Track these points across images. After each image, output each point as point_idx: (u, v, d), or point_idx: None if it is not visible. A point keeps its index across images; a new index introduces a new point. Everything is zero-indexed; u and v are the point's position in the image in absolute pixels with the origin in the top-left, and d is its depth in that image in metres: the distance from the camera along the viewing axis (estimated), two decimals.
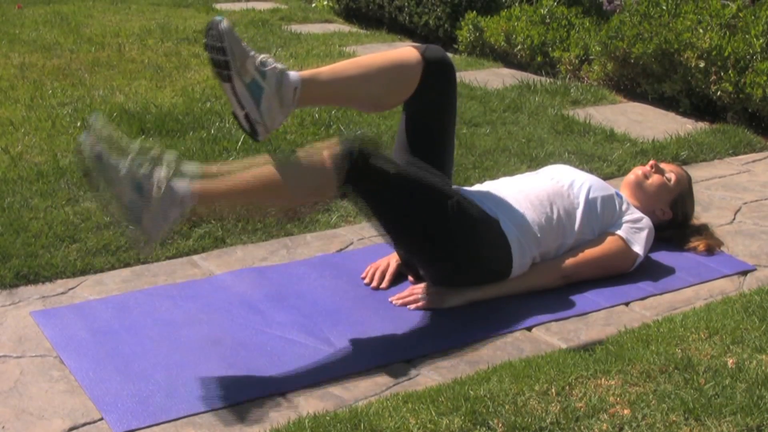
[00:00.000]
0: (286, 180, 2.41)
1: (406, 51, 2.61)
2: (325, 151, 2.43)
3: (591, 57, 5.41)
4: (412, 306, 2.66)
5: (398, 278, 2.82)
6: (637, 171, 3.11)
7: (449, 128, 2.73)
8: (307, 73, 2.48)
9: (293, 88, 2.42)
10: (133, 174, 2.23)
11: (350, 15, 7.96)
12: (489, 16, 6.31)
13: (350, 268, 2.89)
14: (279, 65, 2.41)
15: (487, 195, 2.76)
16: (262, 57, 2.39)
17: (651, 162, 3.13)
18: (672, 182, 3.08)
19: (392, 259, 2.84)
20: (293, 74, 2.43)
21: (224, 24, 2.31)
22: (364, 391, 2.25)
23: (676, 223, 3.12)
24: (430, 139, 2.67)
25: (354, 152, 2.43)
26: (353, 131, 2.54)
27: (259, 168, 2.42)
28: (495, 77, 5.45)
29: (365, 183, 2.47)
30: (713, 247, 3.08)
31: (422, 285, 2.71)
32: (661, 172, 3.10)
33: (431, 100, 2.64)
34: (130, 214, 2.24)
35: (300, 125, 4.15)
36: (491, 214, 2.67)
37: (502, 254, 2.66)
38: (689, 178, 3.17)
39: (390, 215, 2.56)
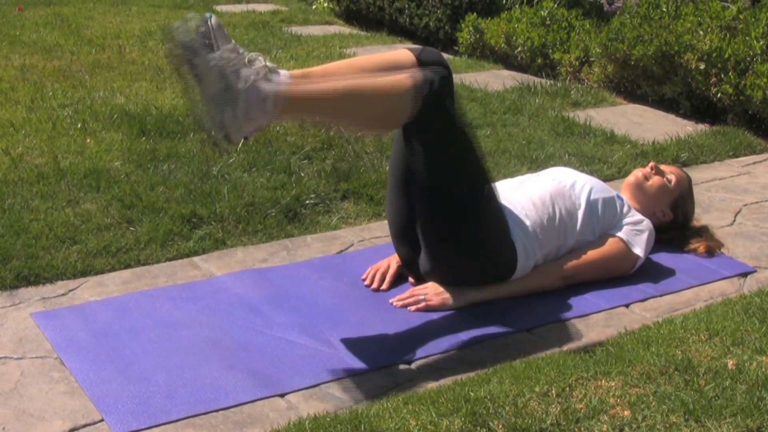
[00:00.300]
0: (366, 99, 2.41)
1: (400, 53, 2.59)
2: (407, 75, 2.43)
3: (591, 59, 5.41)
4: (413, 308, 2.66)
5: (399, 280, 2.82)
6: (638, 173, 3.11)
7: (454, 129, 2.69)
8: (297, 72, 2.45)
9: (286, 81, 2.38)
10: (222, 68, 2.22)
11: (351, 17, 7.96)
12: (489, 18, 6.31)
13: (351, 269, 2.89)
14: (269, 63, 2.35)
15: None
16: (250, 55, 2.35)
17: (651, 164, 3.13)
18: (672, 184, 3.08)
19: (393, 261, 2.84)
20: (283, 72, 2.38)
21: (213, 20, 2.29)
22: (365, 392, 2.25)
23: (676, 225, 3.12)
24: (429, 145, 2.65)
25: (434, 84, 2.43)
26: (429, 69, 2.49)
27: (344, 80, 2.41)
28: (495, 79, 5.45)
29: (431, 121, 2.46)
30: (713, 249, 3.08)
31: (423, 286, 2.71)
32: (661, 173, 3.10)
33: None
34: (214, 106, 2.23)
35: (300, 127, 4.15)
36: (506, 215, 2.67)
37: (508, 255, 2.66)
38: (689, 180, 3.17)
39: (434, 166, 2.51)
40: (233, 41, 2.32)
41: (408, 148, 2.54)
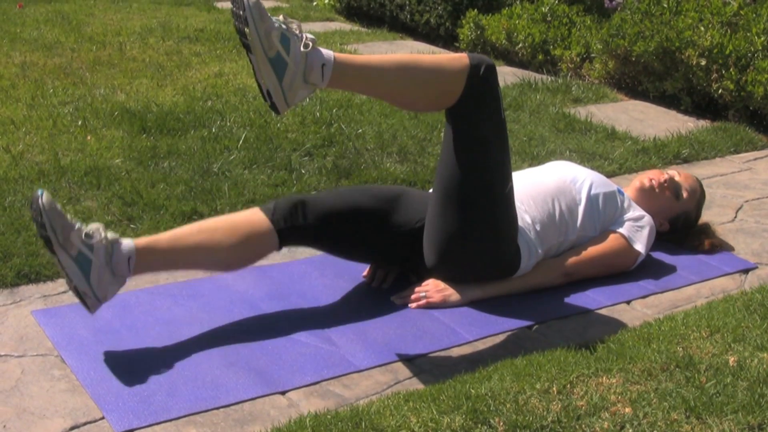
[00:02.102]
0: (421, 70, 2.40)
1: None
2: (459, 56, 2.43)
3: (592, 55, 5.40)
4: (414, 305, 2.66)
5: (399, 277, 2.81)
6: (649, 180, 3.07)
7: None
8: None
9: (126, 258, 2.37)
10: (282, 30, 2.25)
11: (351, 13, 7.95)
12: (490, 15, 6.30)
13: (352, 266, 2.89)
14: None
15: None
16: (88, 229, 2.34)
17: (666, 177, 3.07)
18: (680, 201, 3.05)
19: None
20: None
21: (45, 198, 2.28)
22: (365, 389, 2.25)
23: (674, 232, 3.10)
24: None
25: (483, 66, 2.43)
26: None
27: (402, 56, 2.42)
28: None
29: (477, 104, 2.45)
30: (715, 246, 3.08)
31: (424, 284, 2.71)
32: (673, 189, 3.05)
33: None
34: (275, 66, 2.25)
35: (301, 123, 4.15)
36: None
37: (512, 256, 2.66)
38: (701, 196, 3.12)
39: (472, 150, 2.51)
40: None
41: (447, 132, 2.54)
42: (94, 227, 2.35)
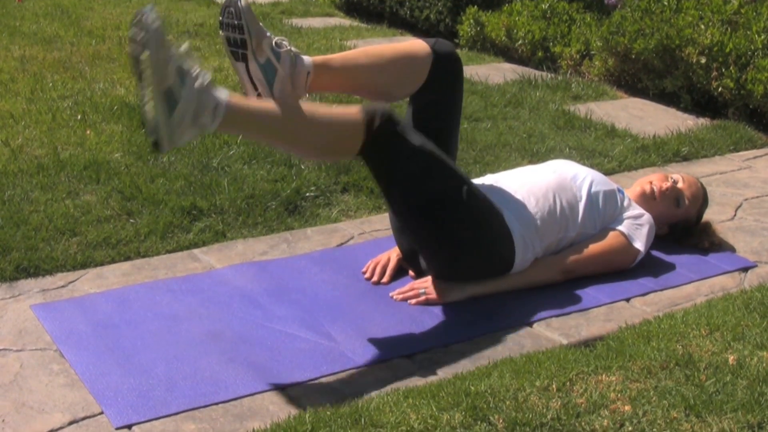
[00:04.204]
0: (317, 119, 2.37)
1: (416, 43, 2.61)
2: (356, 106, 2.42)
3: (592, 52, 5.40)
4: (413, 301, 2.65)
5: (399, 273, 2.82)
6: (650, 185, 3.05)
7: (455, 123, 2.72)
8: (319, 58, 2.46)
9: (306, 72, 2.39)
10: (182, 63, 2.16)
11: (351, 9, 7.94)
12: (490, 11, 6.30)
13: (351, 262, 2.89)
14: (294, 48, 2.38)
15: (492, 188, 2.75)
16: (277, 38, 2.35)
17: (670, 184, 3.05)
18: (681, 208, 3.04)
19: (393, 254, 2.84)
20: (306, 58, 2.41)
21: (242, 2, 2.27)
22: (365, 386, 2.25)
23: (674, 235, 3.10)
24: (436, 133, 2.66)
25: (385, 113, 2.42)
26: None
27: (294, 102, 2.38)
28: (496, 72, 5.44)
29: (389, 147, 2.44)
30: (715, 245, 3.07)
31: (423, 280, 2.71)
32: (678, 197, 3.04)
33: (439, 93, 2.63)
34: (165, 103, 2.14)
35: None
36: (497, 207, 2.67)
37: (505, 249, 2.66)
38: (703, 201, 3.12)
39: (406, 186, 2.52)
40: (261, 24, 2.33)
41: (372, 174, 2.56)
42: (281, 38, 2.34)
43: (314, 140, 2.40)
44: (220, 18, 2.34)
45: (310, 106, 2.38)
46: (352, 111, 2.41)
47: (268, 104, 2.35)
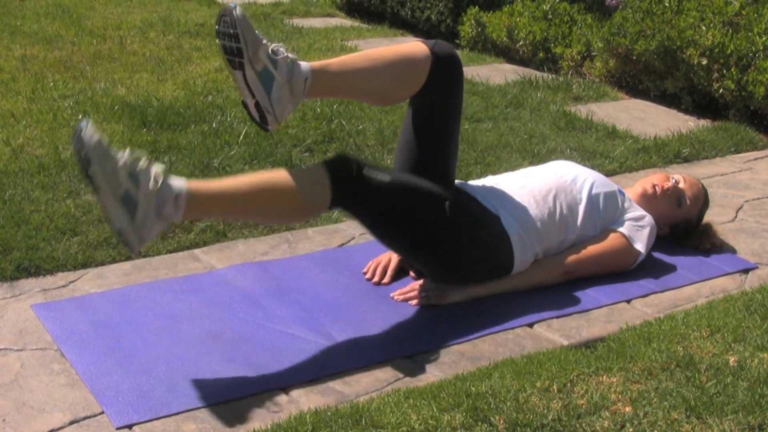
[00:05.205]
0: (281, 186, 2.37)
1: (415, 45, 2.60)
2: (318, 164, 2.43)
3: (593, 53, 5.40)
4: (414, 302, 2.65)
5: (400, 274, 2.82)
6: (651, 185, 3.05)
7: (455, 124, 2.71)
8: (317, 64, 2.46)
9: (304, 78, 2.39)
10: (131, 166, 2.16)
11: (352, 9, 7.94)
12: (491, 12, 6.29)
13: (352, 263, 2.89)
14: (290, 54, 2.38)
15: (490, 190, 2.75)
16: (274, 45, 2.36)
17: (671, 184, 3.05)
18: (682, 208, 3.04)
19: (393, 255, 2.84)
20: (304, 64, 2.40)
21: (238, 11, 2.28)
22: (366, 386, 2.25)
23: (675, 234, 3.10)
24: (436, 135, 2.66)
25: (349, 160, 2.43)
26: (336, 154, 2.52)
27: (254, 174, 2.39)
28: (497, 73, 5.44)
29: (360, 194, 2.45)
30: (716, 246, 3.07)
31: (424, 280, 2.71)
32: (679, 197, 3.04)
33: (438, 95, 2.63)
34: (125, 207, 2.16)
35: (302, 119, 4.14)
36: (492, 211, 2.67)
37: (504, 251, 2.66)
38: (704, 202, 3.12)
39: (387, 225, 2.55)
40: (257, 32, 2.32)
41: (353, 217, 2.59)
42: (278, 44, 2.35)
43: (281, 209, 2.42)
44: (217, 27, 2.34)
45: (275, 179, 2.38)
46: (315, 170, 2.42)
47: (228, 182, 2.36)
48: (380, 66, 2.54)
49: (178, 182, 2.23)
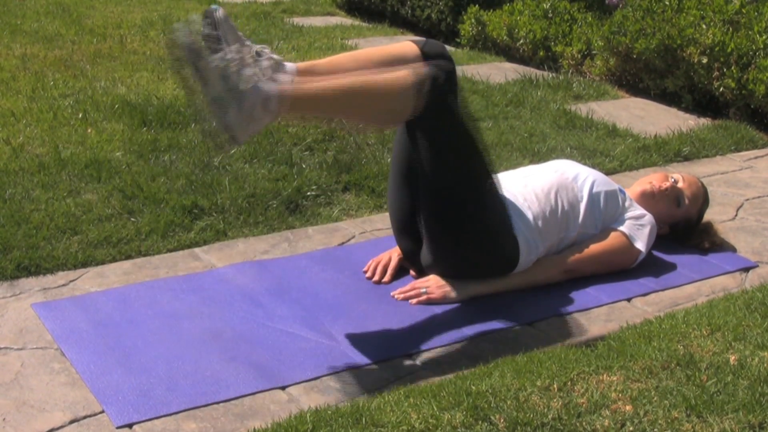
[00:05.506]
0: (369, 96, 2.40)
1: (405, 45, 2.58)
2: (408, 72, 2.43)
3: (593, 52, 5.40)
4: (414, 301, 2.65)
5: (400, 272, 2.82)
6: (650, 184, 3.06)
7: (455, 125, 2.68)
8: (303, 65, 2.44)
9: (290, 78, 2.39)
10: (224, 69, 2.20)
11: (352, 8, 7.94)
12: (491, 11, 6.30)
13: (352, 262, 2.89)
14: (275, 55, 2.38)
15: None
16: (257, 47, 2.35)
17: (670, 183, 3.05)
18: (682, 207, 3.04)
19: (394, 254, 2.84)
20: (289, 65, 2.38)
21: (220, 12, 2.29)
22: (366, 385, 2.25)
23: (675, 234, 3.10)
24: (435, 136, 2.64)
25: (437, 80, 2.43)
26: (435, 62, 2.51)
27: (346, 78, 2.40)
28: (497, 71, 5.44)
29: (434, 117, 2.46)
30: (716, 245, 3.07)
31: (424, 279, 2.71)
32: (678, 197, 3.04)
33: (431, 95, 2.60)
34: (218, 107, 2.22)
35: (301, 121, 4.13)
36: (508, 209, 2.66)
37: (510, 248, 2.66)
38: (704, 200, 3.12)
39: (436, 161, 2.52)
40: (240, 33, 2.31)
41: (411, 144, 2.54)
42: (261, 47, 2.35)
43: (369, 112, 2.46)
44: (201, 29, 2.34)
45: (360, 78, 2.41)
46: (402, 75, 2.43)
47: (319, 85, 2.37)
48: (369, 67, 2.53)
49: (285, 77, 2.29)
